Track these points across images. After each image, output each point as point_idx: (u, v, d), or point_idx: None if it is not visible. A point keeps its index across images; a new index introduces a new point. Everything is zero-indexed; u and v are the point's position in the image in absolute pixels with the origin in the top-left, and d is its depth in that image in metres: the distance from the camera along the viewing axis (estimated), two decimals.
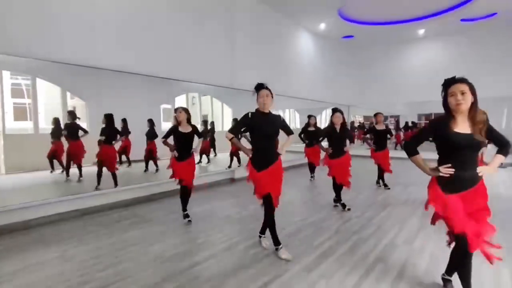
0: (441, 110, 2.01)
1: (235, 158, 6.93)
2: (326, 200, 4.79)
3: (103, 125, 4.88)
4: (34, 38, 3.83)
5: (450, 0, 7.65)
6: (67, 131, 4.93)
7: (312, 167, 6.75)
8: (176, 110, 3.94)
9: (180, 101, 7.36)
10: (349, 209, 4.32)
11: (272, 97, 2.88)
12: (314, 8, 7.90)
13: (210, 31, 6.19)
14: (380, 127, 5.51)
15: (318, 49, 10.17)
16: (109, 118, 4.91)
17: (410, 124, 15.85)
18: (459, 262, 2.03)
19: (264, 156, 2.86)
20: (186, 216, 3.91)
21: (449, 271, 2.22)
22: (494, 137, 1.95)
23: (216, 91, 7.72)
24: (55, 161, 5.00)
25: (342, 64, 11.54)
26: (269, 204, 2.85)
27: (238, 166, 6.91)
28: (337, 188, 4.46)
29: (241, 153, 4.96)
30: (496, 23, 8.75)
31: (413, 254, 2.84)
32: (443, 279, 2.25)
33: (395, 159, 9.99)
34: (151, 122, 6.08)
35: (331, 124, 4.28)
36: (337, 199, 4.50)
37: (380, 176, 5.87)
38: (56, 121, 5.00)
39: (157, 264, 2.68)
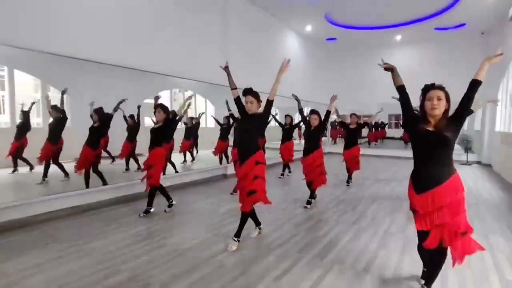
0: None
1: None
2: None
3: (96, 121, 4.66)
4: (20, 28, 3.66)
5: (426, 10, 8.26)
6: (55, 128, 4.73)
7: (284, 165, 6.94)
8: (155, 108, 3.92)
9: (164, 97, 7.33)
10: (309, 203, 4.51)
11: (259, 101, 3.05)
12: (302, 11, 8.19)
13: (202, 28, 6.23)
14: (353, 126, 5.92)
15: (303, 49, 10.49)
16: (103, 113, 4.66)
17: (379, 123, 16.87)
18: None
19: (239, 150, 3.07)
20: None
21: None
22: (460, 105, 2.01)
23: (201, 87, 7.70)
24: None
25: (324, 64, 11.99)
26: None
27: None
28: (308, 185, 4.58)
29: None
30: (464, 33, 9.57)
31: (408, 240, 3.18)
32: None
33: (374, 157, 10.65)
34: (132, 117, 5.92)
35: (309, 122, 4.48)
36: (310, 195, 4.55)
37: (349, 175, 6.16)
38: (25, 114, 4.69)
39: (178, 256, 2.78)
